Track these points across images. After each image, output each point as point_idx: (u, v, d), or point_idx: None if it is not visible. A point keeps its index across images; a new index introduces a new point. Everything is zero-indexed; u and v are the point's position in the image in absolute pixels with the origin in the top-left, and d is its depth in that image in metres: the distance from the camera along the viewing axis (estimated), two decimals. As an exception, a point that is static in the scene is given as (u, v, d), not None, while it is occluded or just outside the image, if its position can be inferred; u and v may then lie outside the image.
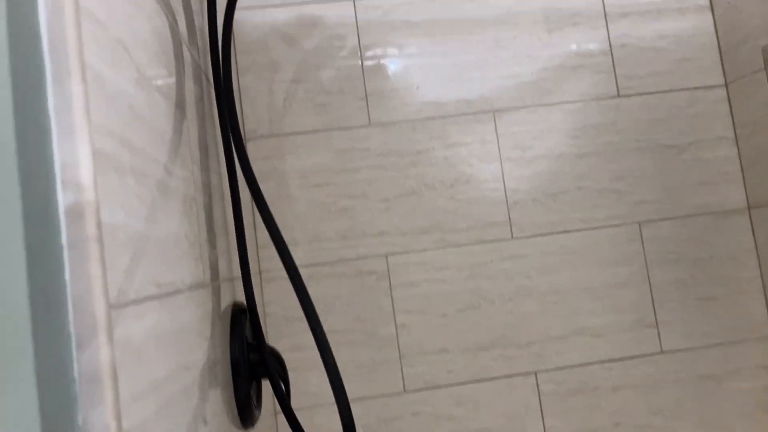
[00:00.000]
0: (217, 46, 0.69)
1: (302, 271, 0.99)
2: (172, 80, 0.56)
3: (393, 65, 1.05)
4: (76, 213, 0.30)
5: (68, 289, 0.29)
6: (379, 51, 1.05)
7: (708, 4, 1.10)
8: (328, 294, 0.99)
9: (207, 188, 0.64)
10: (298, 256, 1.00)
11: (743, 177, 1.07)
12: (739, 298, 1.05)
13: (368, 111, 1.04)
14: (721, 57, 1.09)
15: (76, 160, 0.31)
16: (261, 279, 0.99)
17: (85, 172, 0.31)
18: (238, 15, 1.04)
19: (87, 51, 0.35)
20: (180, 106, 0.58)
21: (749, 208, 1.06)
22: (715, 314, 1.04)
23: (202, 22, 0.78)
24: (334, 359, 0.53)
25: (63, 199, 0.30)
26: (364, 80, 1.04)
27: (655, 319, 1.03)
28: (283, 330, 0.98)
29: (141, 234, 0.40)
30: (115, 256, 0.34)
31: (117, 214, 0.35)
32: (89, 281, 0.29)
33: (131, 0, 0.46)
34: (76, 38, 0.33)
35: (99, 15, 0.38)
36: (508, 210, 1.03)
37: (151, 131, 0.46)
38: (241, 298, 0.77)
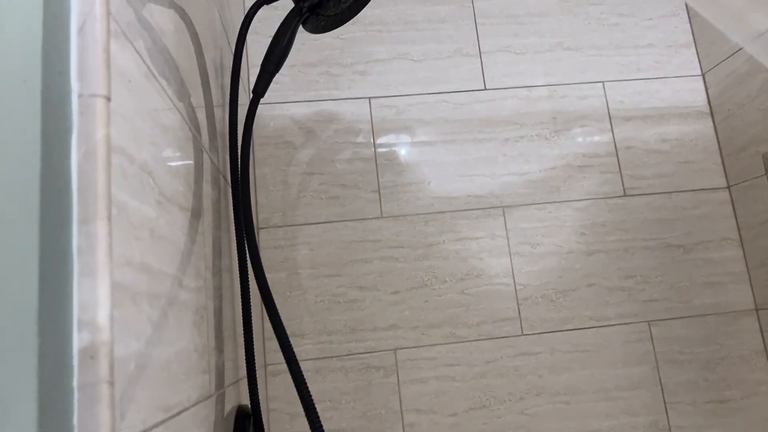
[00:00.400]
0: (237, 153, 0.72)
1: (310, 365, 0.98)
2: (191, 191, 0.59)
3: (405, 160, 1.09)
4: (89, 354, 0.31)
5: (76, 433, 0.30)
6: (392, 146, 1.09)
7: (708, 110, 1.14)
8: (335, 389, 0.97)
9: (218, 291, 0.65)
10: (306, 349, 0.99)
11: (750, 278, 1.06)
12: (751, 401, 1.01)
13: (380, 203, 1.06)
14: (722, 161, 1.12)
15: (95, 299, 0.32)
16: (266, 373, 0.98)
17: (103, 311, 0.32)
18: (258, 109, 1.09)
19: (114, 187, 0.37)
20: (197, 214, 0.60)
21: (757, 309, 1.05)
22: (727, 418, 1.00)
23: (223, 125, 0.82)
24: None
25: (78, 340, 0.31)
26: (377, 174, 1.07)
27: (668, 423, 0.99)
28: (287, 428, 0.95)
29: (151, 358, 0.40)
30: (124, 389, 0.34)
31: (130, 345, 0.36)
32: (97, 426, 0.30)
33: (159, 124, 0.48)
34: (105, 179, 0.34)
35: (128, 148, 0.40)
36: (518, 306, 1.03)
37: (168, 248, 0.47)
38: (245, 398, 0.76)
